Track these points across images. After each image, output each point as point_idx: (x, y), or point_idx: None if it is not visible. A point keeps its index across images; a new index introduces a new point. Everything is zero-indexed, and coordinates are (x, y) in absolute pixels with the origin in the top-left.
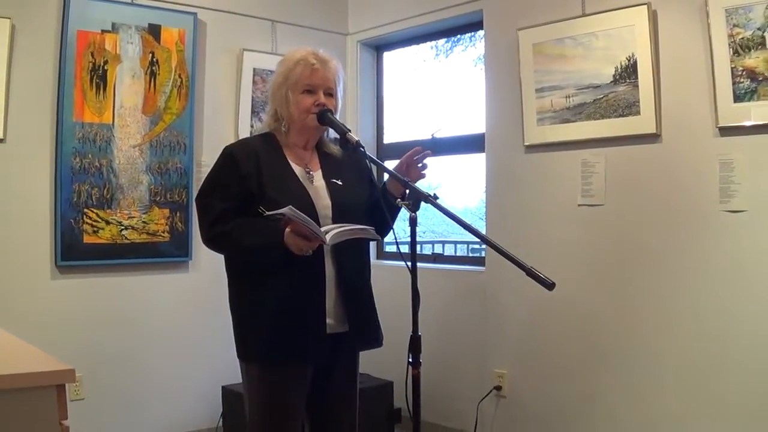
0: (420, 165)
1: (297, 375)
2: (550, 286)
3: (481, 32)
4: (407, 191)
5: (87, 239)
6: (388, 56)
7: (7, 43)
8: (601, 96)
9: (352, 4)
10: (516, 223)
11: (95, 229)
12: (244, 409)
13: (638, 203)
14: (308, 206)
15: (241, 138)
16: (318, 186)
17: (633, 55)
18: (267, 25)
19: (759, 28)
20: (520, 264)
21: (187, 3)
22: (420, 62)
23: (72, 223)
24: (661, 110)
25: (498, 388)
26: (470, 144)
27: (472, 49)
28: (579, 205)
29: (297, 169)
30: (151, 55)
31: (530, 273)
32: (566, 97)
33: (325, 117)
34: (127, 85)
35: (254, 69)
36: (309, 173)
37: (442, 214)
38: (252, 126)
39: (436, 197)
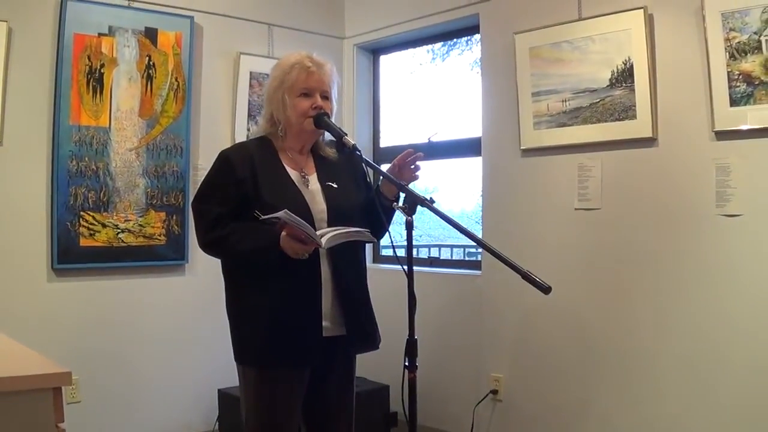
0: (413, 167)
1: (293, 378)
2: (546, 290)
3: (477, 36)
4: (402, 194)
5: (83, 242)
6: (384, 60)
7: (4, 46)
8: (598, 100)
9: (348, 8)
10: (512, 226)
11: (92, 232)
12: (240, 412)
13: (635, 207)
14: (304, 210)
15: (237, 142)
16: (313, 190)
17: (629, 59)
18: (264, 29)
19: (755, 32)
20: (517, 268)
21: (183, 6)
22: (416, 66)
23: (68, 226)
24: (657, 114)
25: (494, 392)
26: (467, 148)
27: (468, 52)
28: (575, 209)
29: (293, 173)
30: (147, 58)
31: (526, 277)
32: (563, 101)
33: (321, 120)
34: (124, 89)
35: (251, 72)
36: (304, 177)
37: (438, 217)
38: (248, 129)
39: (432, 201)
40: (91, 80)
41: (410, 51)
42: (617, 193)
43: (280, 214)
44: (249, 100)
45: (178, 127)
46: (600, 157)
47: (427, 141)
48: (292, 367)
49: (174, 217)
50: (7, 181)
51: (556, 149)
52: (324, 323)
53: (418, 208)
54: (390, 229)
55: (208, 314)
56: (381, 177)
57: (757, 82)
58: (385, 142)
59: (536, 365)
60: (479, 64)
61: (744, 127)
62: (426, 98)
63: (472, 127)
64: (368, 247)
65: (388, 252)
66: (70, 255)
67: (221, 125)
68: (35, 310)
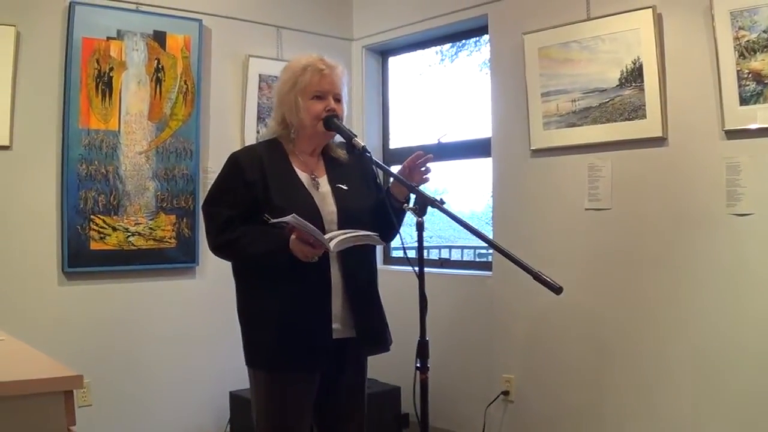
0: (423, 169)
1: (304, 380)
2: (557, 290)
3: (486, 37)
4: (412, 195)
5: (93, 245)
6: (393, 61)
7: (13, 51)
8: (607, 100)
9: (357, 10)
10: (523, 227)
11: (102, 235)
12: (251, 414)
13: (645, 207)
14: (314, 213)
15: (246, 144)
16: (324, 192)
17: (638, 59)
18: (272, 31)
19: (764, 31)
20: (528, 268)
21: (192, 9)
22: (425, 67)
23: (78, 229)
24: (667, 114)
25: (505, 393)
26: (476, 148)
27: (477, 53)
28: (586, 209)
29: (302, 176)
30: (156, 61)
31: (538, 277)
32: (572, 101)
33: (331, 123)
34: (133, 92)
35: (260, 75)
36: (314, 179)
37: (448, 218)
38: (258, 132)
39: (442, 202)
40: (100, 84)
41: (419, 52)
42: (627, 193)
43: (288, 218)
44: (258, 103)
45: (187, 130)
46: (610, 157)
47: (436, 142)
48: (302, 370)
49: (184, 220)
50: (17, 185)
51: (566, 149)
52: (334, 326)
53: (429, 209)
54: (400, 230)
55: (219, 317)
56: (391, 178)
57: (766, 81)
58: (394, 144)
59: (548, 366)
60: (488, 64)
61: (754, 126)
62: (435, 99)
63: (481, 128)
64: (379, 249)
65: (399, 253)
66: (80, 258)
67: (231, 128)
68: (46, 314)
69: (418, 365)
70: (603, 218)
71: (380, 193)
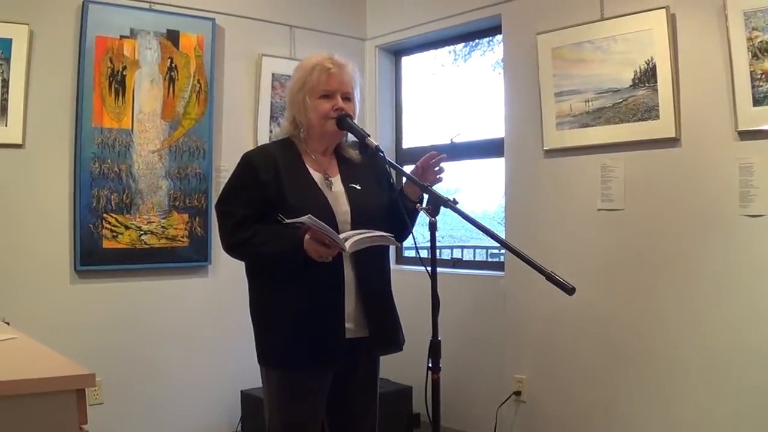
0: (437, 169)
1: (316, 379)
2: (570, 290)
3: (499, 36)
4: (425, 195)
5: (106, 244)
6: (406, 61)
7: (26, 49)
8: (621, 100)
9: (370, 9)
10: (535, 227)
11: (114, 234)
12: (263, 413)
13: (658, 207)
14: (327, 212)
15: (260, 144)
16: (337, 191)
17: (652, 59)
18: (285, 31)
19: None
20: (540, 269)
21: (205, 8)
22: (438, 67)
23: (91, 228)
24: (680, 114)
25: (517, 393)
26: (489, 148)
27: (490, 53)
28: (598, 209)
29: (316, 175)
30: (169, 60)
31: (550, 278)
32: (585, 101)
33: (344, 122)
34: (146, 91)
35: (273, 74)
36: (328, 179)
37: (461, 218)
38: (271, 131)
39: (455, 202)
40: (113, 83)
41: (432, 52)
42: (640, 194)
43: (304, 219)
44: (271, 102)
45: (200, 129)
46: (623, 158)
47: (449, 142)
48: (314, 370)
49: (197, 219)
50: (30, 183)
51: (579, 150)
52: (347, 325)
53: (441, 209)
54: (413, 230)
55: (231, 316)
56: (404, 178)
57: None
58: (407, 144)
59: (560, 366)
60: (501, 64)
61: (767, 127)
62: (448, 99)
63: (494, 128)
64: (391, 249)
65: (412, 253)
66: (93, 257)
67: (243, 127)
68: (58, 312)
69: (430, 365)
70: (616, 219)
71: (393, 193)
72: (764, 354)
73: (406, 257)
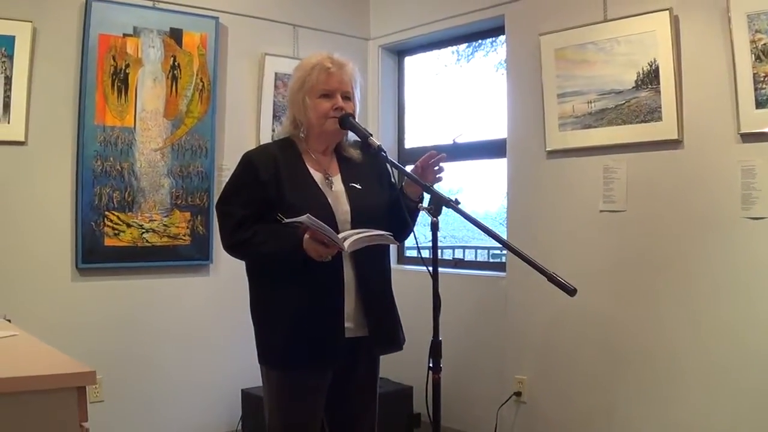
0: (436, 168)
1: (316, 379)
2: (571, 291)
3: (502, 37)
4: (427, 195)
5: (108, 242)
6: (409, 61)
7: (29, 47)
8: (623, 102)
9: (373, 9)
10: (537, 228)
11: (116, 231)
12: (263, 412)
13: (660, 209)
14: (327, 212)
15: (261, 143)
16: (337, 191)
17: (655, 61)
18: (289, 30)
19: None
20: (542, 270)
21: (208, 7)
22: (441, 67)
23: (93, 225)
24: (682, 116)
25: (518, 394)
26: (491, 149)
27: (493, 54)
28: (600, 211)
29: (316, 175)
30: (172, 59)
31: (552, 279)
32: (588, 102)
33: (346, 121)
34: (149, 89)
35: (276, 73)
36: (328, 178)
37: (463, 219)
38: (273, 130)
39: (457, 202)
40: (116, 81)
41: (435, 52)
42: (642, 195)
43: (302, 218)
44: (274, 101)
45: (203, 128)
46: (625, 159)
47: (451, 142)
48: (314, 369)
49: (198, 218)
50: (32, 180)
51: (582, 151)
52: (347, 324)
53: (443, 209)
54: (414, 230)
55: (232, 314)
56: (405, 177)
57: None
58: (409, 143)
59: (560, 367)
60: (504, 65)
61: None
62: (451, 99)
63: (497, 129)
64: (393, 249)
65: (413, 253)
66: (94, 254)
67: (246, 126)
68: (60, 310)
69: (431, 365)
70: (617, 220)
71: (394, 192)
72: (764, 357)
73: (408, 257)
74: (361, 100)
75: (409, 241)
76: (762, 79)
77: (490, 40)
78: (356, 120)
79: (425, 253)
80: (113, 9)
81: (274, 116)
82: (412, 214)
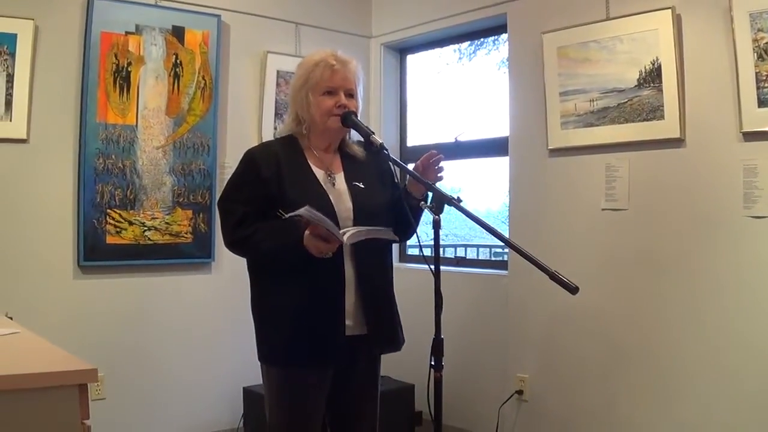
0: (437, 168)
1: (317, 377)
2: (573, 290)
3: (504, 35)
4: (429, 193)
5: (110, 240)
6: (411, 59)
7: (31, 44)
8: (626, 100)
9: (375, 7)
10: (539, 226)
11: (118, 229)
12: (265, 410)
13: (662, 208)
14: (329, 209)
15: (263, 141)
16: (340, 189)
17: (657, 59)
18: (291, 28)
19: None
20: (544, 268)
21: (210, 5)
22: (443, 65)
23: (95, 223)
24: (685, 115)
25: (519, 392)
26: (494, 147)
27: (495, 52)
28: (602, 209)
29: (318, 173)
30: (174, 56)
31: (554, 277)
32: (590, 100)
33: (348, 119)
34: (151, 87)
35: (278, 71)
36: (330, 176)
37: (465, 217)
38: (275, 128)
39: (459, 200)
40: (118, 78)
41: (437, 50)
42: (644, 194)
43: (301, 210)
44: (276, 99)
45: (205, 126)
46: (627, 158)
47: (454, 140)
48: (314, 367)
49: (201, 215)
50: (34, 178)
51: (584, 149)
52: (347, 322)
53: (445, 207)
54: (417, 228)
55: (234, 312)
56: (407, 176)
57: None
58: (412, 142)
59: (562, 366)
60: (506, 63)
61: None
62: (453, 98)
63: (499, 127)
64: (395, 247)
65: (415, 251)
66: (96, 252)
67: (248, 124)
68: (61, 307)
69: (433, 363)
70: (620, 219)
71: (397, 191)
72: (766, 355)
73: (410, 255)
74: (364, 98)
75: (411, 240)
76: (764, 77)
77: (492, 38)
78: (358, 118)
79: (427, 251)
80: (115, 7)
81: (276, 114)
82: (415, 213)
